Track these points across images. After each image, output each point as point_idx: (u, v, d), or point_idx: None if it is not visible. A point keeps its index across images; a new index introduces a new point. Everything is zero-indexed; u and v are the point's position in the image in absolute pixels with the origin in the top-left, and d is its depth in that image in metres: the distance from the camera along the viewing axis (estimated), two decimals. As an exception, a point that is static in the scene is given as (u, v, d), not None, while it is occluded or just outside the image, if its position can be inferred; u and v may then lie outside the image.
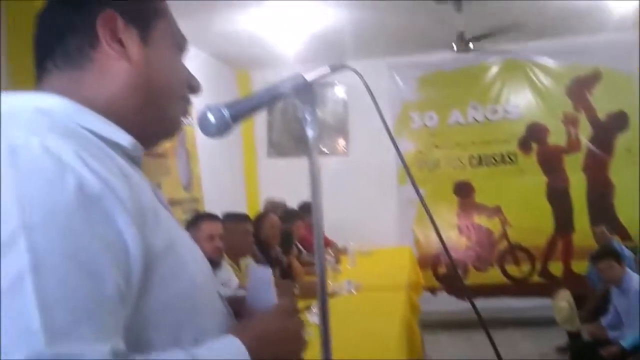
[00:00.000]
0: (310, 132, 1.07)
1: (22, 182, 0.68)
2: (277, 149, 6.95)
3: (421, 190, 5.51)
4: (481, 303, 6.13)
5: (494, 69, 6.52)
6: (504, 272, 6.52)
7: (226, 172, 6.27)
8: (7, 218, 0.66)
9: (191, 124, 4.71)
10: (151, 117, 0.92)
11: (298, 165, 6.74)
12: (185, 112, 1.00)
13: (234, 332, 0.87)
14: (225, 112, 1.01)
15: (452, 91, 6.55)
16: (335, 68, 1.10)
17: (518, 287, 6.43)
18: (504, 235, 6.49)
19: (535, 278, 6.48)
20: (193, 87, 1.00)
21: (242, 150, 6.88)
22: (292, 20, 5.04)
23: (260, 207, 6.21)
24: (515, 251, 6.49)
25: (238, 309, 1.08)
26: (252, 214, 4.45)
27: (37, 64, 0.91)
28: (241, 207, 6.15)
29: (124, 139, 0.86)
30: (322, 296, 1.07)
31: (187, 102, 1.00)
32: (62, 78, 0.88)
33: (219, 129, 1.01)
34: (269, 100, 1.06)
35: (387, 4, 4.85)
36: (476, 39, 5.21)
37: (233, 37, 5.35)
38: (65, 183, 0.69)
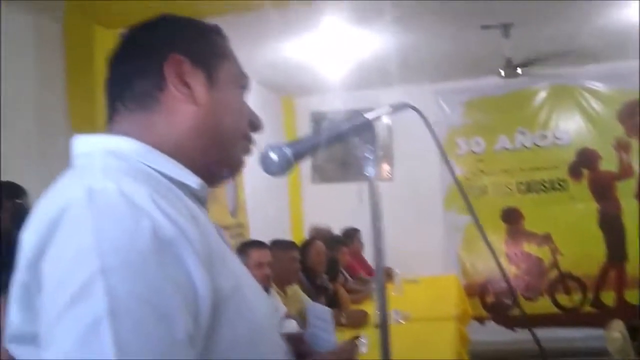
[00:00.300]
0: (371, 171, 1.06)
1: (99, 227, 0.69)
2: (321, 174, 6.97)
3: (468, 217, 5.40)
4: (529, 334, 6.00)
5: (542, 94, 6.42)
6: (555, 302, 6.34)
7: (271, 198, 6.31)
8: (85, 262, 0.68)
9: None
10: (216, 158, 0.93)
11: (342, 191, 6.78)
12: (248, 150, 1.01)
13: None
14: (288, 151, 1.02)
15: (499, 116, 6.47)
16: (397, 107, 1.09)
17: (569, 317, 6.25)
18: (555, 263, 6.33)
19: (587, 308, 6.29)
20: (255, 125, 1.01)
21: (287, 176, 6.92)
22: (338, 47, 5.08)
23: (304, 232, 6.22)
24: (566, 280, 6.31)
25: (295, 347, 1.08)
26: (296, 240, 4.45)
27: (108, 105, 0.94)
28: (285, 233, 6.16)
29: (192, 180, 0.87)
30: (384, 326, 1.06)
31: (250, 140, 1.00)
32: (132, 120, 0.90)
33: (281, 168, 1.02)
34: (330, 139, 1.05)
35: (433, 30, 4.85)
36: (524, 64, 5.14)
37: (279, 64, 5.42)
38: (141, 227, 0.70)
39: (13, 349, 0.79)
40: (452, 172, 1.20)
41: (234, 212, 5.54)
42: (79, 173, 0.81)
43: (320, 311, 2.32)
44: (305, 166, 7.05)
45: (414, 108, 1.11)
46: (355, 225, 5.63)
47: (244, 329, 0.80)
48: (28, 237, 0.75)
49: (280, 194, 6.73)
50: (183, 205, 0.80)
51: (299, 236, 6.02)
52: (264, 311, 0.87)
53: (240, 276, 0.84)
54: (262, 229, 5.28)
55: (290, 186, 6.98)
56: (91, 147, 0.86)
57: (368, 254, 5.70)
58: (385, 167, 6.74)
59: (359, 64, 5.51)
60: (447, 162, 1.23)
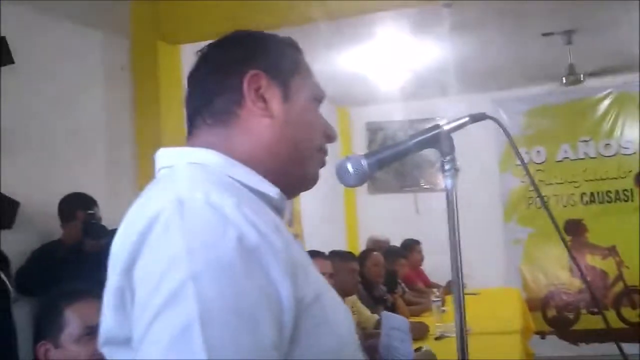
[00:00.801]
0: (449, 183, 1.05)
1: (189, 234, 0.71)
2: (377, 185, 6.93)
3: (529, 229, 5.27)
4: (595, 349, 5.81)
5: (606, 102, 6.22)
6: (620, 316, 6.11)
7: (326, 208, 6.32)
8: (176, 268, 0.69)
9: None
10: (292, 170, 0.94)
11: (398, 202, 6.72)
12: (323, 163, 1.00)
13: None
14: (364, 163, 1.02)
15: (560, 125, 6.30)
16: (475, 117, 1.08)
17: (635, 332, 5.98)
18: (620, 277, 6.10)
19: (655, 323, 6.03)
20: (329, 136, 1.01)
21: (343, 186, 6.93)
22: (394, 57, 5.06)
23: (360, 243, 6.20)
24: (632, 294, 6.08)
25: (370, 357, 1.06)
26: (352, 250, 4.43)
27: (188, 120, 0.97)
28: (341, 243, 6.16)
29: (272, 190, 0.89)
30: (462, 339, 1.05)
31: (324, 152, 1.00)
32: (211, 133, 0.92)
33: (358, 179, 1.03)
34: (407, 150, 1.05)
35: (492, 38, 4.78)
36: (588, 72, 5.01)
37: (335, 75, 5.44)
38: (228, 236, 0.72)
39: (107, 352, 0.82)
40: (529, 174, 1.17)
41: (289, 222, 5.58)
42: (166, 184, 0.83)
43: (396, 321, 2.29)
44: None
45: (493, 118, 1.09)
46: (411, 236, 5.58)
47: (326, 340, 0.80)
48: (120, 246, 0.78)
49: (335, 205, 6.73)
50: (267, 215, 0.81)
51: (355, 247, 6.01)
52: (346, 323, 0.87)
53: (321, 287, 0.84)
54: (317, 240, 5.29)
55: (345, 196, 6.98)
56: (175, 160, 0.89)
57: (426, 265, 5.63)
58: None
59: (416, 74, 5.48)
60: (525, 167, 1.21)
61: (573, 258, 1.30)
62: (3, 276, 2.51)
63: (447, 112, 6.00)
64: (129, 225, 0.78)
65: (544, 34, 4.59)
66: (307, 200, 5.72)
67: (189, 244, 0.71)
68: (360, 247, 5.80)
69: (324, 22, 3.82)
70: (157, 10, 3.77)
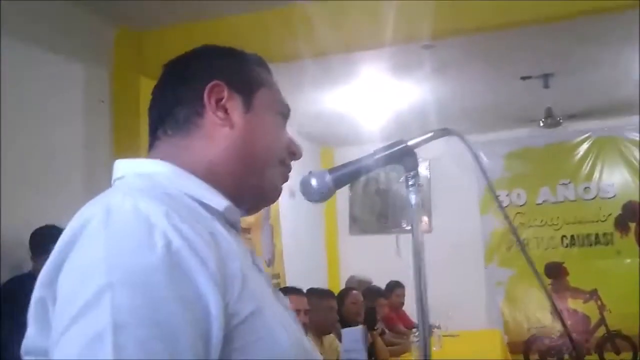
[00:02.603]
0: (413, 198, 1.04)
1: (111, 242, 0.70)
2: (359, 226, 6.92)
3: (509, 271, 5.25)
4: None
5: (585, 146, 6.32)
6: (603, 362, 6.06)
7: (308, 249, 6.28)
8: (95, 275, 0.68)
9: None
10: (250, 181, 0.94)
11: (380, 243, 6.71)
12: (285, 177, 1.00)
13: None
14: (328, 178, 1.01)
15: (540, 168, 6.37)
16: (439, 133, 1.08)
17: (619, 378, 5.94)
18: (602, 321, 6.07)
19: (638, 368, 5.98)
20: (293, 152, 1.01)
21: (324, 226, 6.90)
22: (377, 98, 5.12)
23: (340, 283, 6.14)
24: (614, 339, 6.03)
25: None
26: (333, 291, 4.38)
27: (150, 132, 0.96)
28: (322, 284, 6.09)
29: (218, 202, 0.87)
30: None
31: (287, 167, 1.00)
32: (171, 144, 0.92)
33: (322, 195, 1.01)
34: (371, 165, 1.04)
35: (471, 81, 4.86)
36: (566, 116, 5.09)
37: (319, 115, 5.49)
38: (151, 244, 0.70)
39: None
40: (498, 200, 1.17)
41: (270, 262, 5.53)
42: (104, 195, 0.82)
43: (353, 332, 2.27)
44: (343, 217, 7.02)
45: (456, 133, 1.09)
46: (392, 277, 5.53)
47: (262, 355, 0.77)
48: (51, 255, 0.76)
49: (317, 245, 6.69)
50: (205, 228, 0.79)
51: (336, 288, 5.95)
52: (291, 340, 0.83)
53: (263, 303, 0.81)
54: (298, 280, 5.23)
55: (327, 237, 6.95)
56: (125, 171, 0.89)
57: (408, 306, 5.57)
58: (424, 218, 6.66)
59: (398, 115, 5.54)
60: (493, 191, 1.21)
61: (554, 305, 1.27)
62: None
63: (428, 152, 6.11)
64: (62, 236, 0.77)
65: (523, 77, 4.69)
66: (288, 240, 5.68)
67: (109, 251, 0.70)
68: (341, 287, 5.74)
69: (310, 59, 3.86)
70: (141, 44, 3.80)
